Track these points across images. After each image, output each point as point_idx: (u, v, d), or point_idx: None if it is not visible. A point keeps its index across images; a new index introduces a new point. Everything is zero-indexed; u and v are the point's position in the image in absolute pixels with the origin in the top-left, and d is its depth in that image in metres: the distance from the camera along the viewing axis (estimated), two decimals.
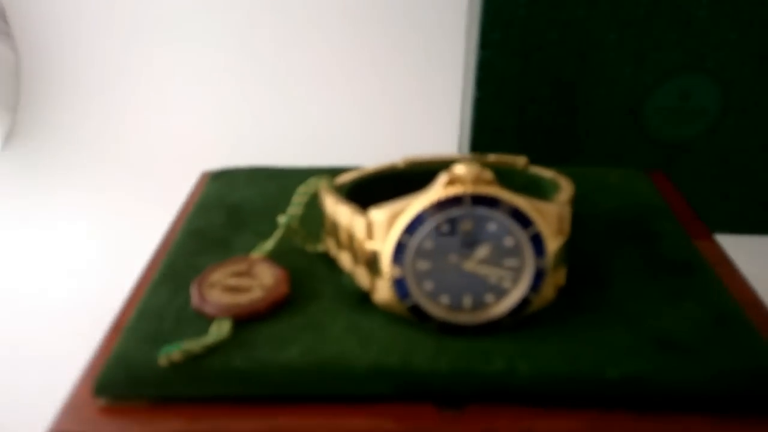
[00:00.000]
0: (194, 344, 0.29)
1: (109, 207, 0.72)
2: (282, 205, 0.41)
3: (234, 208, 0.42)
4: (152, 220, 0.62)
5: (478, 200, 0.29)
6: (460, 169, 0.29)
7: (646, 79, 0.56)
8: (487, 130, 0.59)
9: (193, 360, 0.29)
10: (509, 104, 0.58)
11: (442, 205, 0.29)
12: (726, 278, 0.37)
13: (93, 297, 0.57)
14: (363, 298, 0.33)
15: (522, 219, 0.29)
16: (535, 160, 0.40)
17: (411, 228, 0.29)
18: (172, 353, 0.29)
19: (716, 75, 0.56)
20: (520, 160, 0.40)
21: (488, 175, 0.29)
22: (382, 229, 0.30)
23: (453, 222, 0.29)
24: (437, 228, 0.29)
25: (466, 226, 0.30)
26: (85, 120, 0.85)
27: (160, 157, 0.78)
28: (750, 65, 0.55)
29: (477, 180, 0.29)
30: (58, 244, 0.67)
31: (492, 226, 0.29)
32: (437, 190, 0.29)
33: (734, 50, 0.55)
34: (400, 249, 0.30)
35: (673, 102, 0.57)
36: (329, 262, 0.36)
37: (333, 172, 0.40)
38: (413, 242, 0.29)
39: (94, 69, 0.88)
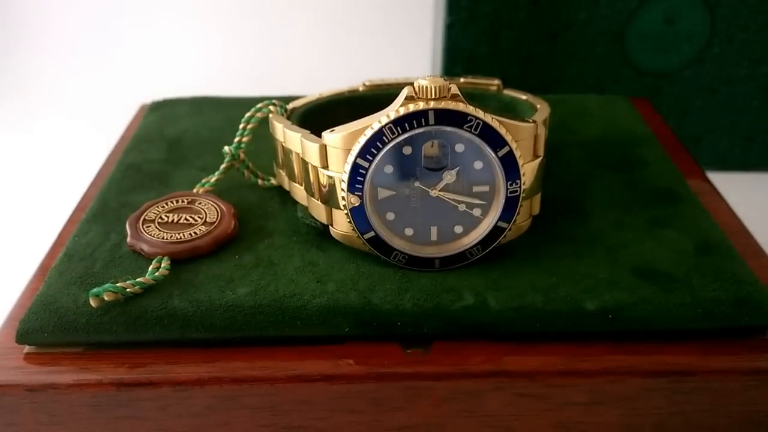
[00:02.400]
0: (129, 284, 0.28)
1: (45, 144, 0.69)
2: (230, 138, 0.39)
3: (175, 141, 0.40)
4: (91, 158, 0.60)
5: (443, 117, 0.27)
6: (422, 82, 0.27)
7: (629, 2, 0.55)
8: (460, 58, 0.57)
9: (127, 302, 0.28)
10: (483, 30, 0.56)
11: (402, 123, 0.27)
12: (711, 207, 0.36)
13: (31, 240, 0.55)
14: (320, 233, 0.32)
15: (492, 138, 0.28)
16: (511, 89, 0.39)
17: (369, 150, 0.28)
18: (103, 294, 0.27)
19: None
20: (494, 83, 0.38)
21: (455, 88, 0.27)
22: (337, 153, 0.29)
23: (416, 142, 0.28)
24: (398, 150, 0.28)
25: (430, 147, 0.28)
26: (16, 55, 0.81)
27: (100, 91, 0.75)
28: None
29: (441, 94, 0.27)
30: None
31: (459, 147, 0.28)
32: (397, 107, 0.27)
33: None
34: (357, 175, 0.28)
35: (658, 26, 0.56)
36: (282, 197, 0.35)
37: (288, 101, 0.38)
38: (372, 167, 0.28)
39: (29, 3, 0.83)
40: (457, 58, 0.57)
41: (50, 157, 0.67)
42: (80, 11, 0.81)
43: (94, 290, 0.27)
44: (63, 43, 0.81)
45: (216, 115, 0.43)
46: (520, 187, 0.29)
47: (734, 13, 0.56)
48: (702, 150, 0.63)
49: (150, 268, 0.29)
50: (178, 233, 0.30)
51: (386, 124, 0.27)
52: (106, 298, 0.27)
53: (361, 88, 0.38)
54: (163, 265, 0.29)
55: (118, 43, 0.80)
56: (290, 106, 0.35)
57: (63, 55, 0.80)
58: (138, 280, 0.28)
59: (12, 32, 0.80)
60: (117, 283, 0.28)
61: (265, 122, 0.35)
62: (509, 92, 0.38)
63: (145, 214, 0.32)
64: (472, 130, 0.27)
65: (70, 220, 0.35)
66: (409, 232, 0.30)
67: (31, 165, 0.66)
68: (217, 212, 0.32)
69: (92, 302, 0.27)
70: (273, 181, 0.35)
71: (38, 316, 0.28)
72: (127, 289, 0.28)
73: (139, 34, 0.80)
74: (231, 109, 0.44)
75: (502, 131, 0.28)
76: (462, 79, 0.39)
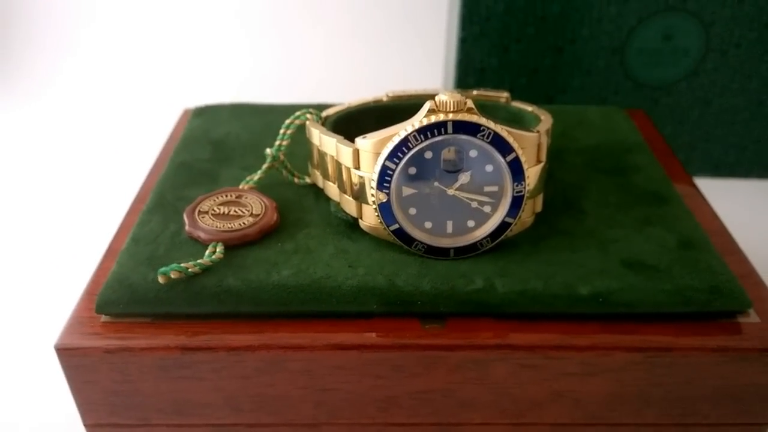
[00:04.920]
0: (190, 264, 0.32)
1: (90, 144, 0.74)
2: (267, 140, 0.44)
3: (219, 143, 0.45)
4: (135, 157, 0.65)
5: (460, 127, 0.32)
6: (442, 97, 0.32)
7: (629, 19, 0.59)
8: (472, 69, 0.62)
9: (189, 279, 0.33)
10: (494, 44, 0.61)
11: (425, 131, 0.32)
12: (695, 209, 0.41)
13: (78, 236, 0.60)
14: (350, 225, 0.37)
15: (501, 146, 0.32)
16: (518, 100, 0.44)
17: (396, 154, 0.32)
18: (170, 272, 0.32)
19: (698, 16, 0.59)
20: (503, 95, 0.43)
21: (470, 103, 0.32)
22: (368, 156, 0.33)
23: (436, 148, 0.33)
24: (421, 154, 0.33)
25: (448, 152, 0.33)
26: (64, 57, 0.86)
27: (141, 95, 0.80)
28: (731, 7, 0.59)
29: (459, 108, 0.32)
30: (40, 179, 0.69)
31: (473, 153, 0.33)
32: (421, 118, 0.32)
33: None
34: (385, 175, 0.33)
35: (656, 42, 0.61)
36: (316, 193, 0.39)
37: (317, 108, 0.43)
38: (398, 168, 0.33)
39: (73, 5, 0.88)
40: (469, 69, 0.62)
41: (93, 158, 0.73)
42: (125, 21, 0.87)
43: (163, 269, 0.32)
44: (110, 55, 0.86)
45: (253, 119, 0.48)
46: (524, 188, 0.33)
47: (727, 31, 0.60)
48: (696, 158, 0.67)
49: (207, 252, 0.34)
50: (230, 223, 0.35)
51: (411, 133, 0.32)
52: (172, 276, 0.32)
53: (384, 99, 0.43)
54: (218, 250, 0.34)
55: (158, 54, 0.85)
56: (323, 114, 0.40)
57: (109, 66, 0.86)
58: (198, 261, 0.33)
59: (56, 39, 0.86)
60: (181, 263, 0.33)
61: (300, 127, 0.40)
62: (517, 104, 0.42)
63: (200, 206, 0.37)
64: (485, 139, 0.32)
65: (131, 211, 0.40)
66: (428, 225, 0.34)
67: (75, 163, 0.72)
68: (262, 206, 0.37)
69: (160, 279, 0.32)
70: (308, 180, 0.40)
71: (113, 291, 0.33)
72: (189, 269, 0.32)
73: (173, 48, 0.85)
74: (267, 114, 0.48)
75: (510, 140, 0.32)
76: (475, 92, 0.43)
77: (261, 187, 0.39)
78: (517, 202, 0.34)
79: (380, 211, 0.34)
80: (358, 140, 0.33)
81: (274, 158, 0.39)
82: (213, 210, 0.36)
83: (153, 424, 0.34)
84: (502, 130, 0.32)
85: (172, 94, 0.80)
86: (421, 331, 0.32)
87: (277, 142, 0.39)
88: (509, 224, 0.34)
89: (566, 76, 0.63)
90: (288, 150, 0.40)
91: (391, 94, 0.43)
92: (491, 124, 0.32)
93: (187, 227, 0.36)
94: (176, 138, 0.47)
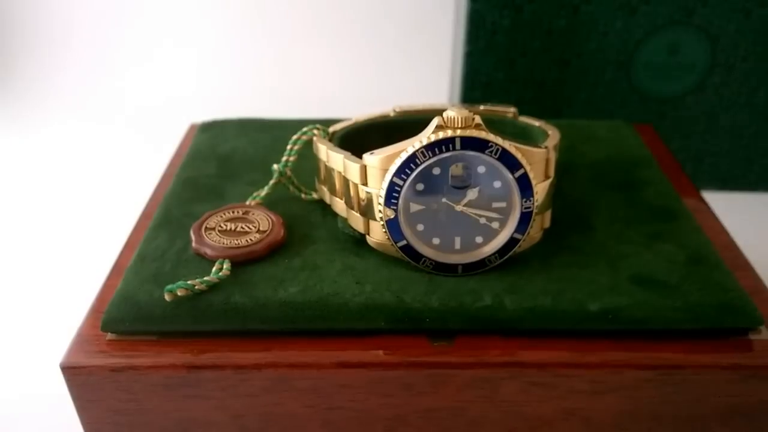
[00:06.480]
0: (197, 281, 0.32)
1: (96, 159, 0.75)
2: (273, 156, 0.44)
3: (225, 159, 0.45)
4: (141, 172, 0.65)
5: (468, 143, 0.32)
6: (450, 113, 0.32)
7: (635, 33, 0.60)
8: (478, 84, 0.62)
9: (196, 297, 0.33)
10: (500, 58, 0.61)
11: (433, 148, 0.32)
12: (704, 224, 0.41)
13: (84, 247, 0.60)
14: (357, 241, 0.37)
15: (510, 162, 0.32)
16: (525, 114, 0.44)
17: (404, 171, 0.32)
18: (177, 290, 0.32)
19: (704, 30, 0.59)
20: (510, 111, 0.43)
21: (478, 119, 0.32)
22: (375, 173, 0.33)
23: (444, 164, 0.32)
24: (429, 170, 0.32)
25: (456, 168, 0.33)
26: (70, 72, 0.87)
27: (148, 110, 0.80)
28: (737, 21, 0.59)
29: (467, 124, 0.32)
30: (45, 195, 0.69)
31: (481, 169, 0.33)
32: (428, 134, 0.32)
33: (722, 5, 0.58)
34: (392, 191, 0.33)
35: (662, 56, 0.61)
36: (323, 209, 0.39)
37: (324, 123, 0.43)
38: (406, 185, 0.33)
39: (81, 21, 0.89)
40: (475, 83, 0.62)
41: (99, 173, 0.73)
42: (133, 36, 0.88)
43: (169, 286, 0.32)
44: (117, 69, 0.87)
45: (260, 135, 0.48)
46: (533, 204, 0.33)
47: (733, 45, 0.60)
48: (704, 171, 0.67)
49: (213, 269, 0.34)
50: (236, 239, 0.35)
51: (419, 149, 0.32)
52: (179, 294, 0.32)
53: (391, 114, 0.43)
54: (225, 267, 0.34)
55: (165, 69, 0.86)
56: (331, 129, 0.40)
57: (115, 80, 0.87)
58: (205, 278, 0.33)
59: (65, 54, 0.86)
60: (187, 281, 0.32)
61: (307, 143, 0.40)
62: (524, 119, 0.42)
63: (206, 222, 0.37)
64: (493, 155, 0.32)
65: (137, 227, 0.40)
66: (436, 241, 0.34)
67: (81, 178, 0.72)
68: (269, 222, 0.37)
69: (167, 297, 0.32)
70: (314, 196, 0.40)
71: (119, 309, 0.33)
72: (196, 287, 0.32)
73: (180, 62, 0.86)
74: (273, 129, 0.48)
75: (518, 156, 0.32)
76: (482, 107, 0.43)
77: (268, 203, 0.39)
78: (525, 218, 0.34)
79: (388, 228, 0.34)
80: (366, 156, 0.33)
81: (281, 174, 0.39)
82: (220, 226, 0.36)
83: None
84: (510, 146, 0.32)
85: (179, 108, 0.81)
86: (430, 349, 0.32)
87: (284, 158, 0.39)
88: (518, 240, 0.34)
89: (572, 89, 0.63)
90: (295, 166, 0.40)
91: (398, 109, 0.43)
92: (499, 141, 0.32)
93: (193, 244, 0.35)
94: (183, 153, 0.47)
